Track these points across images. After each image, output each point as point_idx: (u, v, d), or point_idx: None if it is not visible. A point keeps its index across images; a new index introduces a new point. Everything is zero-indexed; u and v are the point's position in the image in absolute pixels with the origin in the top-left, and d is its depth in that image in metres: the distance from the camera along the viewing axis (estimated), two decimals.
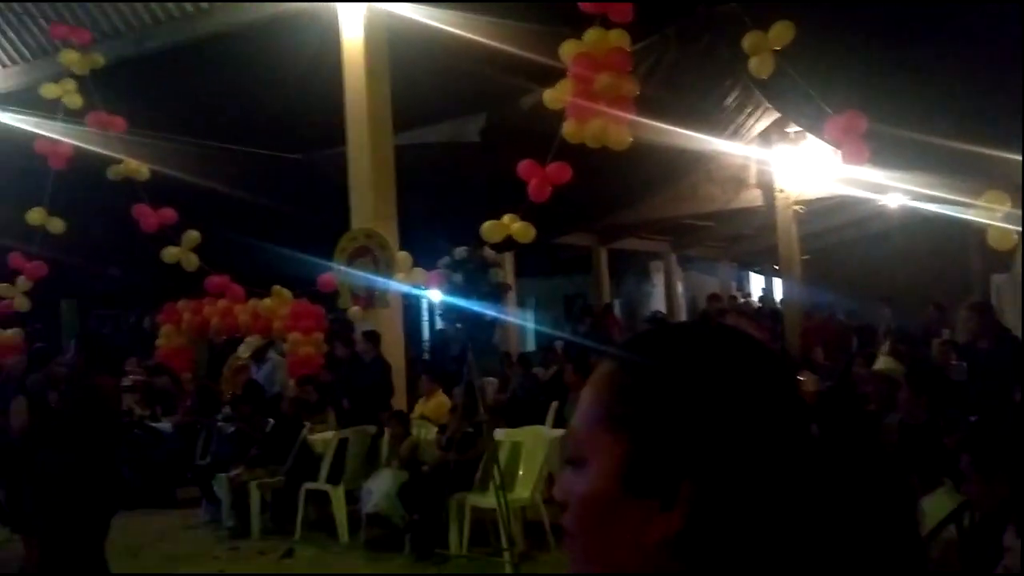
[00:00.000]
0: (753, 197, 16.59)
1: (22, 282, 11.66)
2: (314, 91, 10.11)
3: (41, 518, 4.90)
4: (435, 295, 9.57)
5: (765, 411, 0.81)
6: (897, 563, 0.82)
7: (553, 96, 7.51)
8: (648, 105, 8.58)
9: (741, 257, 23.07)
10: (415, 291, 9.54)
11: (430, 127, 10.64)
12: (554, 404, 8.95)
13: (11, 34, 11.49)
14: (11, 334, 11.60)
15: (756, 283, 24.55)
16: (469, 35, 9.06)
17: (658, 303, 20.64)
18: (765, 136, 14.76)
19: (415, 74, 9.70)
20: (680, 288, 21.54)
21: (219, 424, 9.74)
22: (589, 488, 0.82)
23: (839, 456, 0.83)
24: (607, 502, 0.80)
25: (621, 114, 7.15)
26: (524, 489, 6.90)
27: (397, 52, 9.48)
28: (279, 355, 11.31)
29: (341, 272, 9.33)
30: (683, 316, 19.91)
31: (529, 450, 7.13)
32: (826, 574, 0.80)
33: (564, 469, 0.87)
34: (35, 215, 11.14)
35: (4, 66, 11.82)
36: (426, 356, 16.73)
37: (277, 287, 10.83)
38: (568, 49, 7.29)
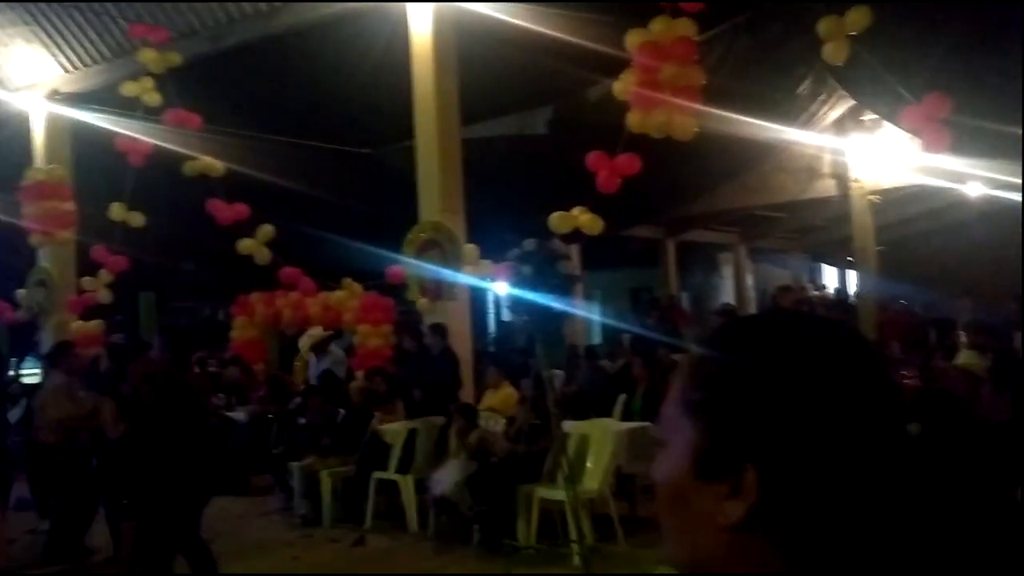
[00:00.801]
0: (827, 187, 16.24)
1: (103, 275, 12.07)
2: (383, 86, 10.22)
3: (142, 507, 5.06)
4: (500, 287, 9.60)
5: (846, 402, 0.80)
6: (999, 564, 0.80)
7: (622, 86, 7.45)
8: (718, 94, 8.45)
9: (813, 248, 22.59)
10: (482, 283, 9.59)
11: (497, 120, 10.67)
12: (621, 397, 8.91)
13: (92, 35, 11.87)
14: (93, 325, 12.03)
15: (829, 275, 24.01)
16: (536, 28, 9.04)
17: (727, 296, 20.36)
18: (839, 124, 14.41)
19: (482, 68, 9.73)
20: (750, 281, 21.19)
21: (291, 414, 9.96)
22: (668, 470, 0.85)
23: (943, 456, 0.82)
24: (682, 485, 0.83)
25: (686, 104, 7.05)
26: (592, 482, 6.88)
27: (465, 46, 9.52)
28: (341, 350, 11.46)
29: (410, 265, 9.43)
30: (753, 309, 19.59)
31: (597, 443, 7.10)
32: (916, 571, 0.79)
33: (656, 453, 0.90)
34: (116, 210, 11.51)
35: (86, 66, 12.21)
36: (491, 348, 16.81)
37: (347, 280, 10.98)
38: (634, 39, 7.22)
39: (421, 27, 9.51)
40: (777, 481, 0.78)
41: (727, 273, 21.25)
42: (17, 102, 12.55)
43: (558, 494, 6.64)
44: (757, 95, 11.12)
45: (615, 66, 8.27)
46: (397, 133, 10.73)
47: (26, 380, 12.05)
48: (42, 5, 11.52)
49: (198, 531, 5.32)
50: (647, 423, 7.73)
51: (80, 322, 12.10)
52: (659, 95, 6.95)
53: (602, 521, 6.94)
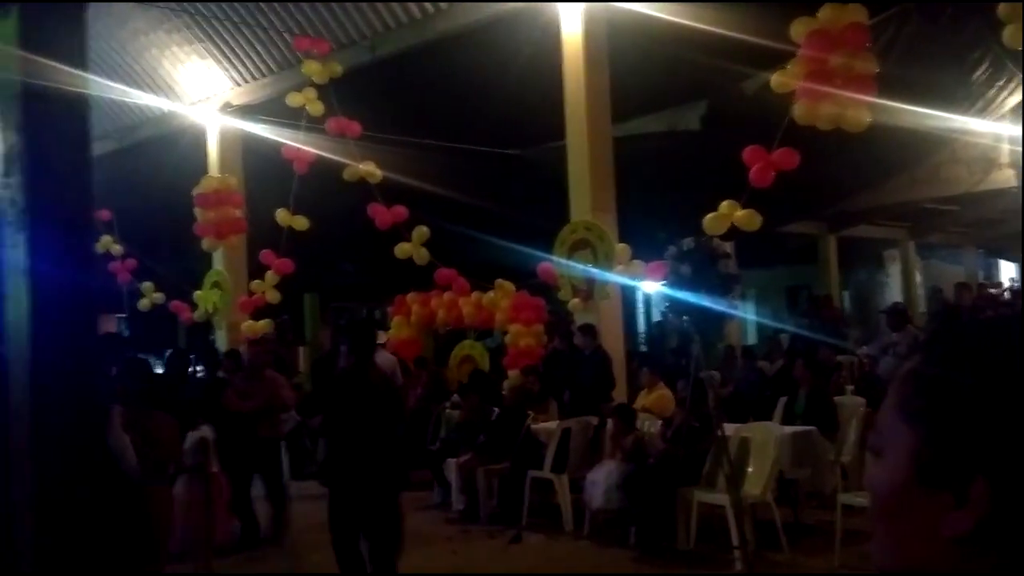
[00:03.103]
0: (1005, 178, 15.13)
1: (271, 276, 12.71)
2: (533, 86, 10.28)
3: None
4: (651, 287, 9.46)
5: None
6: None
7: (781, 79, 7.18)
8: (885, 82, 8.03)
9: (989, 243, 21.13)
10: (634, 283, 9.49)
11: (649, 117, 10.52)
12: (782, 400, 8.61)
13: (260, 49, 12.53)
14: (262, 324, 12.68)
15: (1006, 271, 22.40)
16: (689, 22, 8.86)
17: (893, 294, 19.34)
18: (1019, 112, 13.41)
19: (634, 64, 9.63)
20: (918, 278, 20.06)
21: (447, 411, 10.18)
22: (886, 478, 0.83)
23: None
24: (902, 493, 0.82)
25: (859, 94, 6.72)
26: (754, 486, 6.66)
27: (616, 43, 9.46)
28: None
29: (561, 265, 9.44)
30: (922, 308, 18.53)
31: (759, 446, 6.88)
32: None
33: (869, 459, 0.89)
34: (282, 215, 12.09)
35: (255, 79, 12.90)
36: (642, 348, 16.63)
37: (500, 280, 11.10)
38: (800, 28, 6.94)
39: (572, 26, 9.51)
40: (1008, 493, 0.75)
41: (893, 270, 20.19)
42: (193, 115, 13.40)
43: (719, 498, 6.48)
44: (927, 82, 10.49)
45: (772, 58, 7.99)
46: (548, 133, 10.77)
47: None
48: (215, 23, 12.25)
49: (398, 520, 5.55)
50: (811, 427, 7.44)
51: (250, 321, 12.79)
52: (829, 86, 6.64)
53: (764, 527, 6.72)
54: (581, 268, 9.22)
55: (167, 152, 13.65)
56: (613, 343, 9.46)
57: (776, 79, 7.27)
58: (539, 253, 9.98)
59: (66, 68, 3.03)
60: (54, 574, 2.96)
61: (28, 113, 2.97)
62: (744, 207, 7.81)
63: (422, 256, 11.26)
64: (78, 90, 3.08)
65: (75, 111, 3.12)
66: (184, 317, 13.57)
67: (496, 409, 9.20)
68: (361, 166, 11.17)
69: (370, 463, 5.10)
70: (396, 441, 5.32)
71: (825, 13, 6.83)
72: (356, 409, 5.12)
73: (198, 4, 11.79)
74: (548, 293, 10.84)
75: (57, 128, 3.06)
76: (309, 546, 7.13)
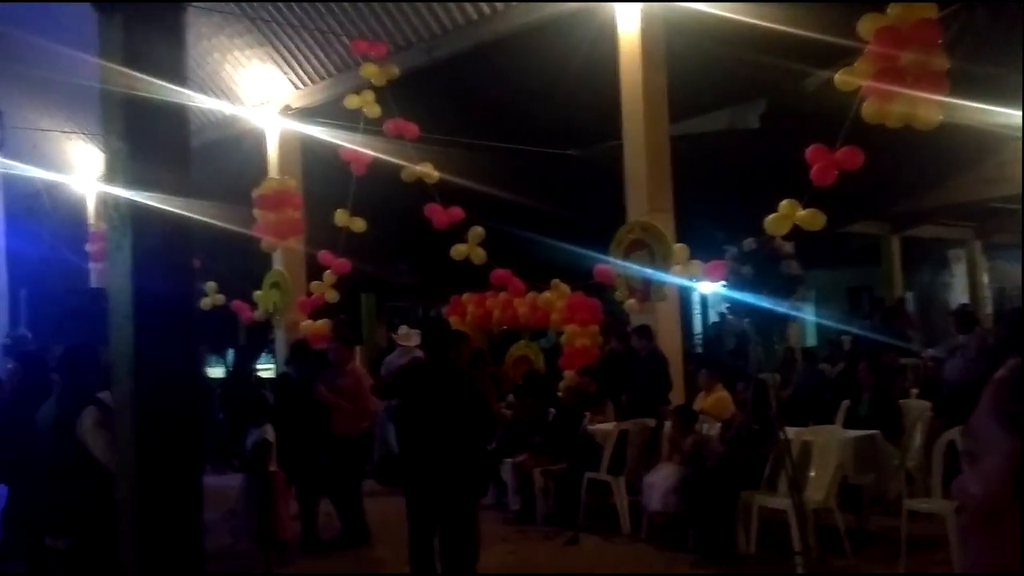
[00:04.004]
0: None
1: (328, 276, 12.87)
2: (589, 86, 10.25)
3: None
4: (708, 287, 9.36)
5: None
6: None
7: (847, 76, 7.04)
8: (951, 78, 7.83)
9: None
10: (693, 284, 9.39)
11: (707, 116, 10.42)
12: (845, 403, 8.45)
13: (319, 53, 12.69)
14: (321, 324, 12.84)
15: None
16: (748, 19, 8.74)
17: (958, 295, 18.85)
18: None
19: (692, 63, 9.54)
20: (985, 279, 19.52)
21: (503, 411, 10.18)
22: (982, 486, 0.82)
23: None
24: (998, 500, 0.80)
25: (930, 92, 6.55)
26: (816, 491, 6.55)
27: (673, 42, 9.38)
28: None
29: (618, 265, 9.39)
30: (989, 309, 18.02)
31: (821, 451, 6.76)
32: None
33: (964, 467, 0.87)
34: (340, 216, 12.23)
35: (313, 82, 13.08)
36: (699, 350, 16.45)
37: (556, 280, 11.08)
38: (868, 24, 6.80)
39: (628, 25, 9.45)
40: None
41: (958, 271, 19.68)
42: (254, 118, 13.62)
43: (780, 502, 6.38)
44: (993, 77, 10.20)
45: (832, 55, 7.85)
46: (604, 133, 10.72)
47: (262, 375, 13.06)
48: (275, 27, 12.45)
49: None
50: (874, 431, 7.29)
51: (309, 321, 12.96)
52: (899, 83, 6.49)
53: (827, 533, 6.60)
54: (638, 269, 9.15)
55: (228, 155, 13.91)
56: (670, 344, 9.38)
57: (841, 77, 7.13)
58: (595, 254, 9.94)
59: (167, 77, 3.12)
60: (156, 566, 3.04)
61: (131, 121, 3.07)
62: (805, 207, 7.68)
63: (478, 256, 11.29)
64: (178, 99, 3.18)
65: (176, 118, 3.21)
66: (245, 317, 13.80)
67: (552, 410, 9.18)
68: (418, 167, 11.25)
69: (445, 464, 5.05)
70: (479, 443, 5.27)
71: (895, 10, 6.67)
72: (432, 407, 5.09)
73: (258, 8, 12.00)
74: (604, 294, 10.79)
75: (160, 135, 3.15)
76: (380, 542, 7.22)
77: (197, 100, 13.29)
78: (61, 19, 12.61)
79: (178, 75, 3.20)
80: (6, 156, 14.99)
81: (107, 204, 3.20)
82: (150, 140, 3.13)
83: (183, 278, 3.22)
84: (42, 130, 15.87)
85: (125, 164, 3.10)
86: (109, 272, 3.19)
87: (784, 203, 7.64)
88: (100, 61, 3.14)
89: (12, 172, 15.66)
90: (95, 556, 4.53)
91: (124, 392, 3.09)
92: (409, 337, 10.16)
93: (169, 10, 3.23)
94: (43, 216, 17.14)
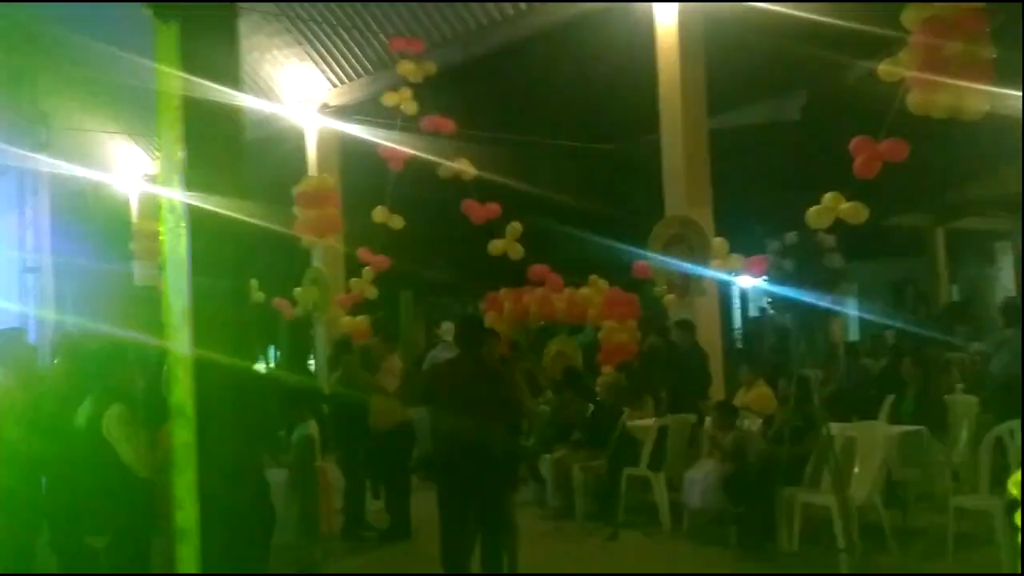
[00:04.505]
0: None
1: (367, 273, 12.96)
2: (626, 80, 10.21)
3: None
4: (748, 282, 9.28)
5: None
6: None
7: (890, 67, 6.92)
8: (998, 66, 7.67)
9: None
10: (732, 278, 9.31)
11: (747, 108, 10.33)
12: (889, 398, 8.33)
13: (357, 51, 12.77)
14: (360, 320, 12.93)
15: None
16: (788, 10, 8.64)
17: (1004, 288, 18.48)
18: None
19: (731, 55, 9.46)
20: None
21: (540, 407, 10.17)
22: None
23: None
24: None
25: (977, 82, 6.42)
26: (860, 488, 6.46)
27: (712, 33, 9.30)
28: None
29: (656, 260, 9.33)
30: None
31: (865, 447, 6.66)
32: None
33: None
34: (379, 213, 12.30)
35: (351, 80, 13.16)
36: (738, 344, 16.30)
37: (593, 276, 11.05)
38: (913, 15, 6.68)
39: (666, 19, 9.39)
40: None
41: (1005, 263, 19.30)
42: (293, 116, 13.74)
43: (823, 499, 6.31)
44: None
45: (874, 46, 7.73)
46: (641, 127, 10.67)
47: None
48: (312, 26, 12.54)
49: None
50: (920, 427, 7.18)
51: (348, 317, 13.06)
52: (944, 74, 6.36)
53: (871, 530, 6.52)
54: (676, 263, 9.09)
55: (267, 153, 14.04)
56: (710, 339, 9.32)
57: (884, 67, 7.01)
58: (633, 248, 9.90)
59: (223, 82, 3.17)
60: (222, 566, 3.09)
61: (188, 125, 3.13)
62: (851, 199, 7.57)
63: (517, 252, 11.29)
64: (233, 103, 3.23)
65: (231, 122, 3.27)
66: (286, 314, 13.94)
67: (591, 405, 9.16)
68: (455, 164, 11.27)
69: (476, 459, 5.06)
70: (509, 438, 5.27)
71: None
72: (463, 403, 5.10)
73: (296, 7, 12.09)
74: (642, 289, 10.73)
75: (216, 139, 3.21)
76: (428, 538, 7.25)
77: (238, 99, 13.44)
78: (104, 20, 12.82)
79: (234, 80, 3.25)
80: (52, 157, 15.28)
81: (163, 207, 3.25)
82: (207, 144, 3.19)
83: (239, 280, 3.27)
84: (87, 131, 16.14)
85: (182, 168, 3.15)
86: (167, 276, 3.25)
87: (828, 196, 7.54)
88: (156, 66, 3.20)
89: (58, 172, 15.97)
90: (132, 554, 4.61)
91: (183, 395, 3.15)
92: (450, 332, 10.20)
93: (224, 16, 3.27)
94: (87, 215, 17.44)
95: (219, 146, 3.23)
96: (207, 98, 3.12)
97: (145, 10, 3.17)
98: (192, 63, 3.13)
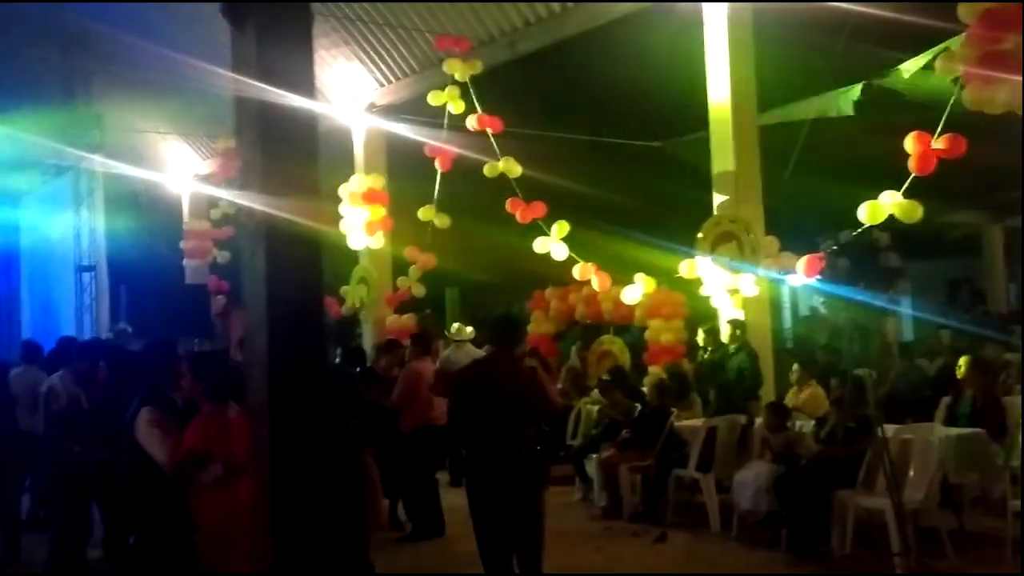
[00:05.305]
0: None
1: (414, 271, 13.03)
2: (675, 76, 10.09)
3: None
4: (797, 280, 9.13)
5: None
6: None
7: (947, 62, 6.77)
8: None
9: None
10: (783, 277, 9.17)
11: (798, 104, 10.13)
12: (945, 400, 8.13)
13: (403, 50, 12.82)
14: (406, 318, 13.01)
15: None
16: (841, 3, 8.47)
17: None
18: None
19: (781, 50, 9.30)
20: None
21: (588, 406, 10.13)
22: None
23: None
24: None
25: None
26: (916, 491, 6.32)
27: (762, 28, 9.16)
28: None
29: (704, 259, 9.22)
30: None
31: (920, 449, 6.52)
32: None
33: None
34: (426, 212, 12.36)
35: (398, 79, 13.22)
36: (788, 344, 16.05)
37: (640, 274, 10.97)
38: (969, 9, 6.52)
39: (715, 14, 9.27)
40: None
41: None
42: (340, 116, 13.85)
43: (878, 502, 6.18)
44: None
45: (931, 40, 7.55)
46: (689, 124, 10.55)
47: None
48: (359, 25, 12.62)
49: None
50: (978, 430, 7.00)
51: (395, 316, 13.14)
52: (1001, 68, 6.21)
53: (927, 534, 6.37)
54: (725, 262, 8.98)
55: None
56: (760, 339, 9.19)
57: (941, 62, 6.85)
58: (681, 247, 9.80)
59: (298, 86, 3.22)
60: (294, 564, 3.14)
61: (264, 130, 3.18)
62: (906, 197, 7.42)
63: (561, 251, 11.26)
64: (308, 107, 3.28)
65: (307, 127, 3.31)
66: (334, 312, 14.06)
67: (638, 405, 9.09)
68: (501, 162, 11.27)
69: (507, 456, 5.02)
70: (533, 433, 5.21)
71: None
72: (494, 401, 5.07)
73: (343, 7, 12.17)
74: (691, 288, 10.62)
75: (292, 143, 3.25)
76: (459, 538, 7.25)
77: (287, 99, 13.58)
78: (156, 21, 13.04)
79: (309, 84, 3.31)
80: (106, 157, 15.60)
81: (241, 211, 3.32)
82: (283, 149, 3.23)
83: (314, 283, 3.32)
84: (139, 131, 16.44)
85: (259, 172, 3.20)
86: (244, 278, 3.31)
87: (885, 193, 7.39)
88: (233, 69, 3.27)
89: (112, 172, 16.30)
90: (167, 553, 4.67)
91: (259, 397, 3.20)
92: (462, 332, 10.23)
93: (299, 20, 3.31)
94: (140, 215, 17.77)
95: (295, 150, 3.27)
96: (283, 101, 3.17)
97: (225, 18, 3.22)
98: (268, 68, 3.18)
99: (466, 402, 5.32)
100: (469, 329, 10.21)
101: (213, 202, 16.92)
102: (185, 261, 17.11)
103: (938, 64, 6.90)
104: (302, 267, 3.23)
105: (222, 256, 16.67)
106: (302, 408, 3.18)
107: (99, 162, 15.80)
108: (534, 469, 5.11)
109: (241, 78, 3.22)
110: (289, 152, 3.24)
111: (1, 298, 18.69)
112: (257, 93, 3.16)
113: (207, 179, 16.96)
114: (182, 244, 17.17)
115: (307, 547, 3.12)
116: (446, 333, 10.61)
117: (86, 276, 16.71)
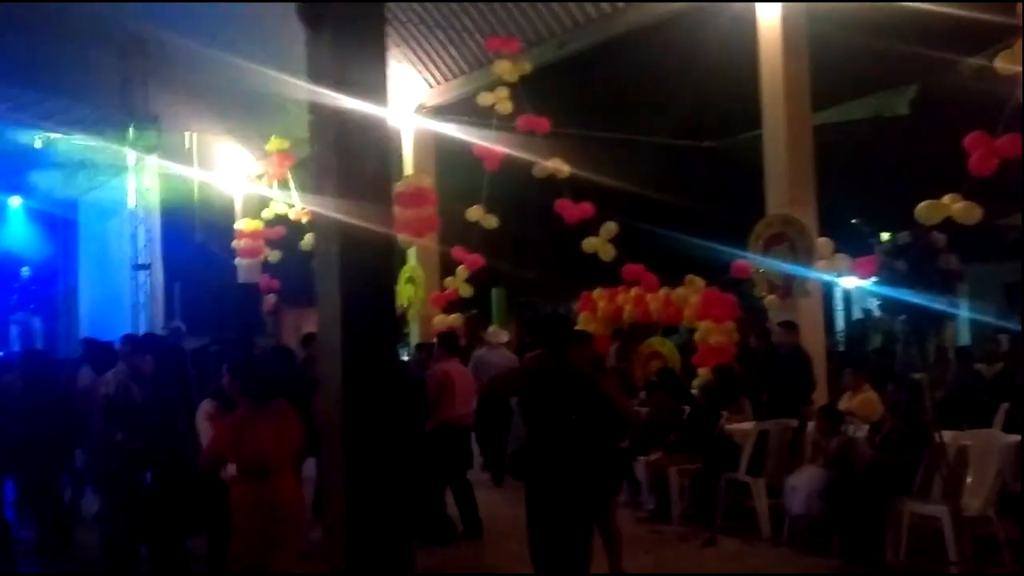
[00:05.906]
0: None
1: (461, 271, 13.07)
2: (727, 75, 10.01)
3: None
4: (851, 282, 8.99)
5: None
6: None
7: (1007, 61, 6.61)
8: None
9: None
10: (837, 279, 9.04)
11: (853, 103, 10.01)
12: (1004, 406, 7.95)
13: (453, 51, 12.88)
14: (453, 318, 13.05)
15: None
16: (897, 1, 8.32)
17: None
18: None
19: (835, 48, 9.18)
20: None
21: (637, 408, 10.05)
22: None
23: None
24: None
25: None
26: (974, 499, 6.18)
27: (816, 26, 9.04)
28: None
29: (756, 260, 9.12)
30: None
31: (979, 456, 6.37)
32: None
33: None
34: (474, 212, 12.39)
35: (447, 80, 13.28)
36: (841, 347, 15.81)
37: (690, 276, 10.89)
38: None
39: (769, 11, 9.17)
40: None
41: None
42: (390, 117, 13.94)
43: (934, 509, 6.05)
44: None
45: (991, 37, 7.39)
46: (742, 123, 10.45)
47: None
48: (410, 27, 12.70)
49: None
50: None
51: (442, 315, 13.20)
52: None
53: (984, 543, 6.22)
54: (778, 263, 8.88)
55: None
56: (813, 342, 9.06)
57: (1001, 60, 6.69)
58: (731, 248, 9.71)
59: (372, 91, 3.29)
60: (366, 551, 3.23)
61: (340, 134, 3.26)
62: (965, 198, 7.25)
63: (609, 252, 11.21)
64: (380, 112, 3.35)
65: (378, 131, 3.39)
66: None
67: (687, 407, 9.01)
68: (549, 163, 11.25)
69: (572, 462, 5.00)
70: (605, 444, 5.18)
71: None
72: (556, 404, 5.05)
73: (393, 8, 12.25)
74: (741, 289, 10.51)
75: (364, 147, 3.32)
76: (504, 536, 7.26)
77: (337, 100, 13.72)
78: (212, 23, 13.25)
79: (382, 88, 3.39)
80: (161, 158, 15.91)
81: (316, 214, 3.41)
82: (356, 152, 3.31)
83: (386, 284, 3.41)
84: (194, 132, 16.73)
85: (332, 174, 3.28)
86: (317, 279, 3.42)
87: (946, 197, 7.23)
88: (308, 75, 3.36)
89: (167, 172, 16.62)
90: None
91: (332, 394, 3.28)
92: (498, 335, 10.19)
93: (375, 22, 3.38)
94: (195, 215, 18.07)
95: (367, 154, 3.34)
96: (356, 108, 3.24)
97: (301, 24, 3.30)
98: (343, 74, 3.26)
99: (535, 404, 5.27)
100: (504, 333, 10.22)
101: (265, 202, 17.16)
102: (237, 260, 17.37)
103: (998, 62, 6.74)
104: (375, 268, 3.32)
105: (273, 255, 16.89)
106: (376, 401, 3.27)
107: (155, 163, 16.12)
108: (608, 481, 5.07)
109: (315, 86, 3.30)
110: (362, 154, 3.31)
111: (60, 296, 19.21)
112: (332, 97, 3.23)
113: (259, 179, 17.21)
114: (234, 243, 17.43)
115: (380, 540, 3.20)
116: (480, 334, 10.63)
117: (142, 275, 17.05)
